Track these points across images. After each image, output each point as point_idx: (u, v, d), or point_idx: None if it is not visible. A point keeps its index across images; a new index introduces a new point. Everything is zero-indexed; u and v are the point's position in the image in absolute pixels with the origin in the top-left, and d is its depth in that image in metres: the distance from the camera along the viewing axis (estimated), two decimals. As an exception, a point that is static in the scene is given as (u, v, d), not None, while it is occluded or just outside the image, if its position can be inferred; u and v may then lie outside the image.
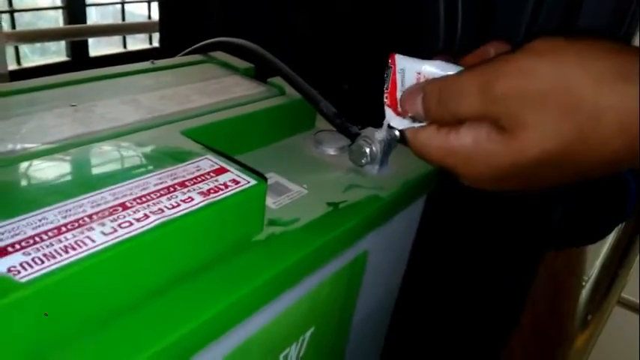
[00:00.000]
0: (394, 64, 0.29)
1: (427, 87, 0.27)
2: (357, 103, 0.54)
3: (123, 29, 1.56)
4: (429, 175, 0.40)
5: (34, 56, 1.52)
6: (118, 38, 1.66)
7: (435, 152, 0.27)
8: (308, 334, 0.34)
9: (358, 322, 0.40)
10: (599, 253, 0.72)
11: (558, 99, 0.22)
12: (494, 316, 0.54)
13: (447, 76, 0.27)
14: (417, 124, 0.29)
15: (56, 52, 1.57)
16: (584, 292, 0.76)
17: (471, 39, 0.43)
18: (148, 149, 0.29)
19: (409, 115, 0.29)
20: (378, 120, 0.39)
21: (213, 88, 0.41)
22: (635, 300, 0.97)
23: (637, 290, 0.90)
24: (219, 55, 0.48)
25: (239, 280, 0.26)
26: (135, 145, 0.30)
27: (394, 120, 0.31)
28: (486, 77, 0.24)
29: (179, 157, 0.29)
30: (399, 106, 0.30)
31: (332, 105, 0.40)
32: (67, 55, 1.51)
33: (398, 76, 0.29)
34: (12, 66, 1.37)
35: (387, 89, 0.30)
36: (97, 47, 1.61)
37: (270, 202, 0.32)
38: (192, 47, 0.48)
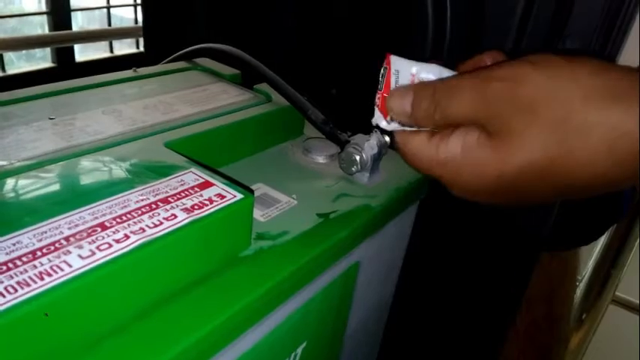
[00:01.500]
0: (389, 65, 0.28)
1: (418, 87, 0.27)
2: (346, 108, 0.53)
3: (108, 35, 1.54)
4: (421, 181, 0.39)
5: (19, 62, 1.50)
6: (104, 43, 1.64)
7: (426, 162, 0.27)
8: (300, 349, 0.33)
9: (351, 334, 0.39)
10: (592, 253, 0.72)
11: (548, 110, 0.22)
12: (489, 319, 0.53)
13: (441, 79, 0.26)
14: (406, 128, 0.28)
15: (42, 58, 1.54)
16: (578, 292, 0.76)
17: (461, 44, 0.42)
18: (129, 163, 0.28)
19: (393, 114, 0.28)
20: (366, 125, 0.38)
21: (198, 96, 0.40)
22: (629, 298, 0.98)
23: (630, 288, 0.90)
24: (204, 61, 0.47)
25: (226, 299, 0.25)
26: (116, 159, 0.29)
27: (382, 121, 0.30)
28: (481, 79, 0.24)
29: (162, 171, 0.28)
30: (386, 103, 0.29)
31: (320, 111, 0.39)
32: (53, 61, 1.49)
33: (392, 78, 0.29)
34: (-4, 73, 1.35)
35: (380, 90, 0.29)
36: (84, 52, 1.59)
37: (258, 214, 0.31)
38: (177, 54, 0.47)
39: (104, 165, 0.28)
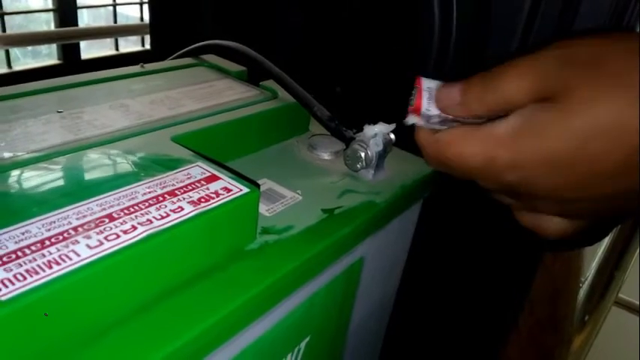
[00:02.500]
0: (420, 85, 0.28)
1: (468, 79, 0.26)
2: (350, 106, 0.53)
3: (114, 31, 1.54)
4: (426, 179, 0.39)
5: (25, 59, 1.51)
6: (110, 41, 1.64)
7: (478, 145, 0.24)
8: (303, 343, 0.33)
9: (355, 330, 0.39)
10: (595, 254, 0.72)
11: (612, 65, 0.21)
12: (492, 319, 0.54)
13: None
14: (443, 127, 0.28)
15: (48, 55, 1.55)
16: (581, 293, 0.76)
17: (467, 42, 0.42)
18: (136, 157, 0.28)
19: (441, 105, 0.28)
20: (370, 123, 0.38)
21: (205, 92, 0.40)
22: (632, 300, 0.97)
23: (634, 290, 0.89)
24: (210, 58, 0.48)
25: (232, 291, 0.25)
26: (123, 152, 0.29)
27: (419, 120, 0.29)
28: (529, 56, 0.23)
29: (169, 164, 0.28)
30: (435, 101, 0.28)
31: (325, 108, 0.39)
32: (59, 58, 1.50)
33: (424, 93, 0.28)
34: (2, 69, 1.35)
35: (411, 106, 0.29)
36: (89, 50, 1.60)
37: (263, 209, 0.32)
38: (183, 50, 0.47)
39: (111, 158, 0.28)
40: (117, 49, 1.64)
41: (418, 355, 0.57)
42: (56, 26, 1.48)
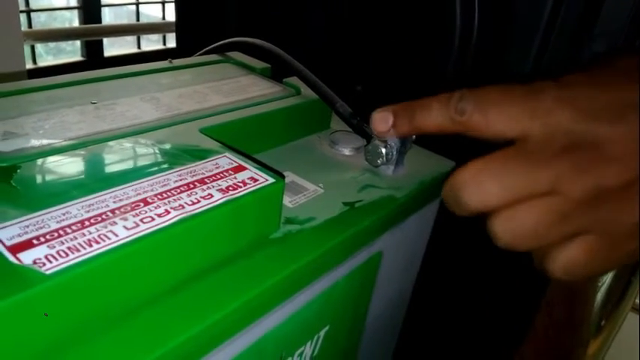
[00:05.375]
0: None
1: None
2: (371, 105, 0.54)
3: (137, 29, 1.57)
4: (444, 177, 0.40)
5: (48, 56, 1.55)
6: (132, 39, 1.68)
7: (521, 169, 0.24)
8: (322, 332, 0.34)
9: (372, 322, 0.40)
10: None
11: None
12: (508, 318, 0.54)
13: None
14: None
15: (71, 52, 1.59)
16: (598, 297, 0.75)
17: (488, 43, 0.43)
18: (167, 146, 0.30)
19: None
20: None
21: (231, 87, 0.42)
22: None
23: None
24: (235, 55, 0.49)
25: (257, 277, 0.26)
26: (155, 142, 0.30)
27: None
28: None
29: (198, 154, 0.29)
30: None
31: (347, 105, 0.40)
32: (82, 55, 1.53)
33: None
34: (28, 65, 1.39)
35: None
36: (112, 48, 1.63)
37: (286, 200, 0.33)
38: (209, 47, 0.49)
39: (144, 147, 0.29)
40: (139, 47, 1.67)
41: (433, 350, 0.58)
42: (80, 24, 1.51)
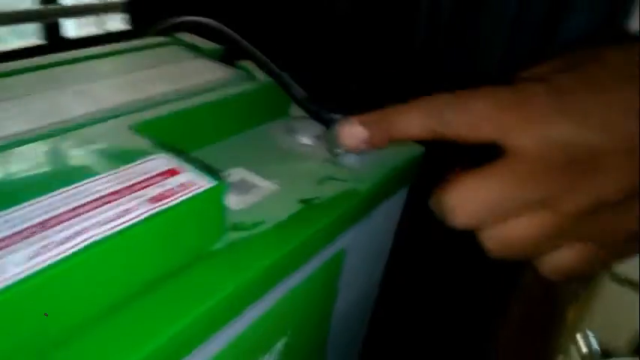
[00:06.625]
0: None
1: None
2: (366, 104, 0.51)
3: (93, 9, 1.49)
4: (412, 163, 0.37)
5: (12, 38, 1.47)
6: (94, 19, 1.60)
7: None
8: (281, 343, 0.31)
9: (337, 323, 0.37)
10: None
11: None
12: (480, 310, 0.52)
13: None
14: None
15: (34, 35, 1.51)
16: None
17: (457, 31, 0.40)
18: (90, 149, 0.26)
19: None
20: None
21: (176, 73, 0.38)
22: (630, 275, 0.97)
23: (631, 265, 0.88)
24: (185, 36, 0.45)
25: (196, 297, 0.23)
26: (75, 144, 0.26)
27: None
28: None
29: (127, 157, 0.26)
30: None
31: (333, 102, 0.37)
32: (43, 38, 1.45)
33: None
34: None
35: None
36: (74, 28, 1.55)
37: (235, 202, 0.29)
38: (157, 27, 0.44)
39: (61, 151, 0.25)
40: (101, 27, 1.60)
41: (403, 347, 0.56)
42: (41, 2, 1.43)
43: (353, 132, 0.28)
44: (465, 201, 0.22)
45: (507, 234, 0.22)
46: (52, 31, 1.43)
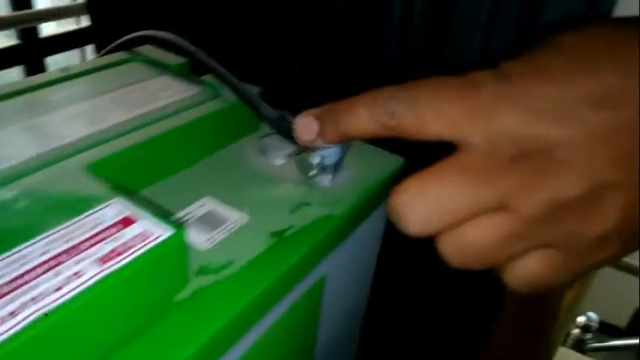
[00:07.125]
0: None
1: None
2: (311, 88, 0.48)
3: (55, 14, 1.44)
4: (390, 177, 0.35)
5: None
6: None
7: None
8: (262, 382, 0.30)
9: (322, 351, 0.36)
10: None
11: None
12: (470, 319, 0.51)
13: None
14: None
15: (8, 35, 1.46)
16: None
17: (430, 25, 0.38)
18: (37, 200, 0.24)
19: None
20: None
21: (137, 95, 0.36)
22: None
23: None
24: (147, 50, 0.42)
25: (158, 357, 0.21)
26: (20, 196, 0.24)
27: None
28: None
29: (78, 206, 0.24)
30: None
31: (278, 97, 0.35)
32: (17, 38, 1.41)
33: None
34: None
35: None
36: (50, 27, 1.51)
37: (202, 239, 0.28)
38: (114, 44, 0.42)
39: (4, 206, 0.24)
40: (77, 24, 1.55)
41: (395, 350, 0.55)
42: (12, 9, 1.38)
43: (306, 124, 0.26)
44: (413, 205, 0.20)
45: (462, 240, 0.20)
46: (27, 31, 1.39)
